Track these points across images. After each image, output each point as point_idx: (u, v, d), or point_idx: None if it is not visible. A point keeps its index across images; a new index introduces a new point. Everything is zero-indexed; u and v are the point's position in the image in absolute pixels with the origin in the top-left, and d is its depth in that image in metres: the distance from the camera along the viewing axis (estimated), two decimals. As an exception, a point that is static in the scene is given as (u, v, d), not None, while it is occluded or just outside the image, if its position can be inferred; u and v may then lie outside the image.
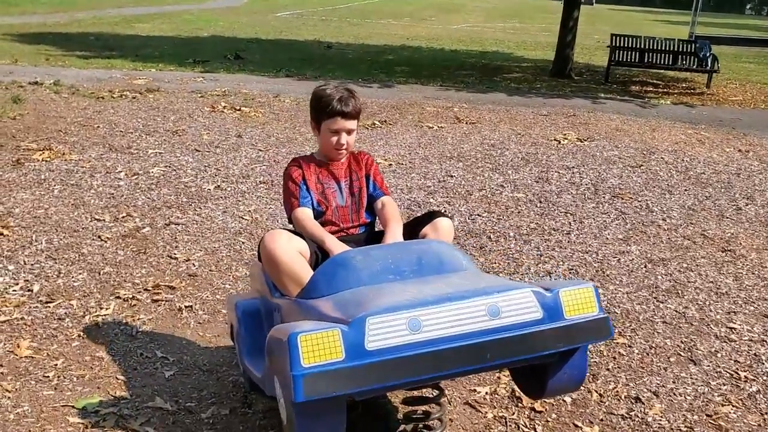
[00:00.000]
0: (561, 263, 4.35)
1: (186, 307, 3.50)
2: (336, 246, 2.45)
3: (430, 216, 2.62)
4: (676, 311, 3.79)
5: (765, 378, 3.16)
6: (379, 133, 7.70)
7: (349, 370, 1.77)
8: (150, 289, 3.65)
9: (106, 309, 3.41)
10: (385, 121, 8.31)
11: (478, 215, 5.16)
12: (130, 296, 3.56)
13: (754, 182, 6.55)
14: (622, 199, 5.77)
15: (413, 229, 2.60)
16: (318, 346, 1.77)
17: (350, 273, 2.20)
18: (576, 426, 2.76)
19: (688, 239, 4.93)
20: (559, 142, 7.68)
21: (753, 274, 4.39)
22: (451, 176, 6.12)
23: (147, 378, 2.91)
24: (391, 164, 6.42)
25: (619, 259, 4.50)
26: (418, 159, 6.67)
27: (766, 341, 3.52)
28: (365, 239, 2.68)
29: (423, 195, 5.57)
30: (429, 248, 2.33)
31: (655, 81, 13.83)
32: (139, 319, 3.37)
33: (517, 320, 1.94)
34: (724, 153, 7.73)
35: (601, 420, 2.81)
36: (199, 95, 9.12)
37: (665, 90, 12.74)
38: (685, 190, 6.15)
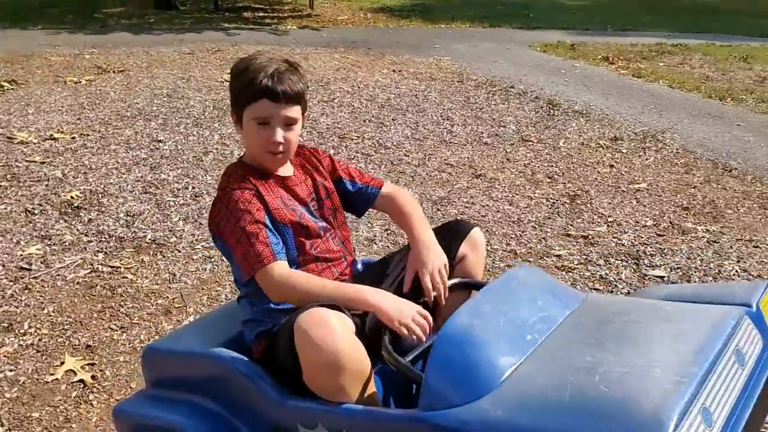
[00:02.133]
0: (383, 229, 3.95)
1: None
2: (383, 299, 1.64)
3: (457, 228, 1.93)
4: (528, 261, 3.73)
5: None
6: (16, 98, 6.07)
7: None
8: None
9: None
10: (13, 80, 6.59)
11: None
12: None
13: (435, 102, 6.83)
14: (351, 139, 5.50)
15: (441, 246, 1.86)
16: None
17: (486, 353, 1.44)
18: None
19: (441, 171, 4.91)
20: (233, 83, 7.01)
21: (522, 196, 4.54)
22: (159, 141, 5.11)
23: None
24: (74, 137, 5.09)
25: (410, 207, 4.26)
26: (97, 124, 5.43)
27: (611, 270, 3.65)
28: (371, 282, 1.80)
29: (174, 174, 4.50)
30: (532, 282, 1.70)
31: (260, 6, 13.58)
32: None
33: (755, 358, 1.50)
34: (385, 75, 7.93)
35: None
36: None
37: (276, 15, 12.58)
38: (393, 119, 6.13)
